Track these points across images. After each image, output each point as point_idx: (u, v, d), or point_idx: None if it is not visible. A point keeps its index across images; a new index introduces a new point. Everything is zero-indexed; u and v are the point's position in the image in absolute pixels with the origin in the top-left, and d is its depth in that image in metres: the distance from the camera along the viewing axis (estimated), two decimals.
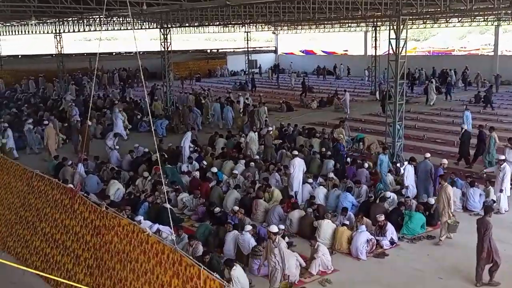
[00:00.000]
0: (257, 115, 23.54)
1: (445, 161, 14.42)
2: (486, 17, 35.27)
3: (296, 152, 15.83)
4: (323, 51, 55.54)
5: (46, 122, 22.10)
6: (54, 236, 9.71)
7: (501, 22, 38.30)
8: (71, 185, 10.96)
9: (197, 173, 15.56)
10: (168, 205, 10.81)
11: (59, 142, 20.90)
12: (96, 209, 8.69)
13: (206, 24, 32.40)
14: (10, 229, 11.23)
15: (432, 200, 12.69)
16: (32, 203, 10.70)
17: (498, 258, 9.54)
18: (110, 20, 32.75)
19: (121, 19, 32.48)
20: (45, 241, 9.97)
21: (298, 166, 14.22)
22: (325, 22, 39.15)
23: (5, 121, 23.37)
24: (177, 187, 14.43)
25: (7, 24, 40.35)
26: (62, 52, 37.27)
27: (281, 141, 19.95)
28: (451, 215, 11.32)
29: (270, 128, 20.02)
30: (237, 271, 8.57)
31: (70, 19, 33.39)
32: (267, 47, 58.24)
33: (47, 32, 39.06)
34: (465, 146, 17.53)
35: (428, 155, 14.68)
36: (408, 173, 13.86)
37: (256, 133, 19.43)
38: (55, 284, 9.25)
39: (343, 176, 15.24)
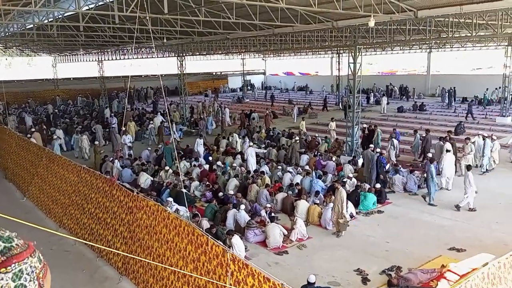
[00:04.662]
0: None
1: (384, 151, 14.55)
2: (420, 46, 35.46)
3: (251, 144, 17.22)
4: (300, 73, 55.51)
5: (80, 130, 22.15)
6: (98, 215, 9.66)
7: (432, 49, 38.56)
8: (110, 176, 10.90)
9: (206, 166, 15.56)
10: (184, 190, 10.81)
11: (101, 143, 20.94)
12: (129, 194, 8.64)
13: (212, 52, 32.25)
14: (65, 210, 11.16)
15: (378, 185, 12.77)
16: (81, 190, 10.65)
17: None
18: (140, 50, 32.61)
19: (147, 49, 32.37)
20: (91, 219, 9.92)
21: (250, 154, 15.51)
22: (301, 50, 39.24)
23: (61, 128, 23.24)
24: (191, 176, 14.41)
25: (61, 54, 40.15)
26: (103, 75, 37.09)
27: (268, 141, 19.94)
28: (343, 215, 10.18)
29: (297, 138, 18.25)
30: (235, 239, 8.58)
31: (109, 50, 33.23)
32: (258, 69, 58.02)
33: (92, 60, 38.89)
34: (365, 138, 18.24)
35: (372, 146, 14.89)
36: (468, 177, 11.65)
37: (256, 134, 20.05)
38: (99, 251, 9.22)
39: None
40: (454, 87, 33.43)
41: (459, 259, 8.48)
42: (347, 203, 11.29)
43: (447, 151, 13.83)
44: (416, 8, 13.64)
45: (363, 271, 8.44)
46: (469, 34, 15.62)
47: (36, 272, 0.93)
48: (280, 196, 12.15)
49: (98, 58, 37.14)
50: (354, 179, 13.47)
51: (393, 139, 16.67)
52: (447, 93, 33.23)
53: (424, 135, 16.91)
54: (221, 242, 6.51)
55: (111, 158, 16.05)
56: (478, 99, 32.62)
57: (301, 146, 17.88)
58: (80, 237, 9.87)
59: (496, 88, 31.78)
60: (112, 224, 9.07)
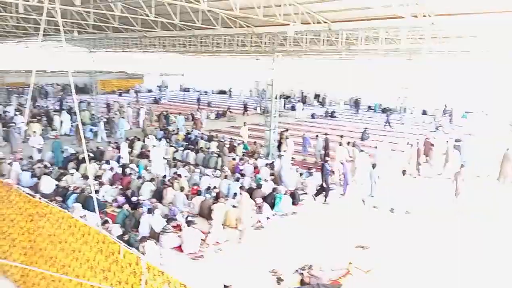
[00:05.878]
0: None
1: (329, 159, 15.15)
2: (333, 56, 37.68)
3: (154, 144, 17.20)
4: None
5: None
6: None
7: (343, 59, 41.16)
8: (7, 180, 9.85)
9: (119, 169, 14.82)
10: (94, 195, 10.13)
11: None
12: (30, 200, 7.88)
13: (128, 50, 30.89)
14: None
15: (292, 188, 13.33)
16: None
17: None
18: (46, 43, 30.06)
19: (55, 43, 29.96)
20: None
21: (157, 156, 15.57)
22: (221, 53, 39.43)
23: None
24: (101, 180, 13.62)
25: None
26: (2, 69, 33.58)
27: (186, 143, 19.65)
28: (241, 221, 10.28)
29: (227, 142, 18.63)
30: (149, 245, 8.28)
31: (10, 41, 30.14)
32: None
33: None
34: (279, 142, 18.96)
35: (284, 149, 15.51)
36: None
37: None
38: None
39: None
40: (358, 97, 36.19)
41: (364, 256, 9.13)
42: (262, 206, 11.59)
43: (360, 150, 15.03)
44: (330, 20, 14.48)
45: (277, 272, 8.68)
46: (376, 48, 17.00)
47: None
48: (198, 199, 12.01)
49: None
50: (270, 182, 13.83)
51: (287, 139, 18.27)
52: (354, 102, 36.69)
53: (322, 139, 18.18)
54: (134, 249, 6.22)
55: (9, 161, 14.55)
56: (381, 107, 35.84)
57: (220, 149, 17.92)
58: None
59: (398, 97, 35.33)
60: (9, 233, 8.20)
